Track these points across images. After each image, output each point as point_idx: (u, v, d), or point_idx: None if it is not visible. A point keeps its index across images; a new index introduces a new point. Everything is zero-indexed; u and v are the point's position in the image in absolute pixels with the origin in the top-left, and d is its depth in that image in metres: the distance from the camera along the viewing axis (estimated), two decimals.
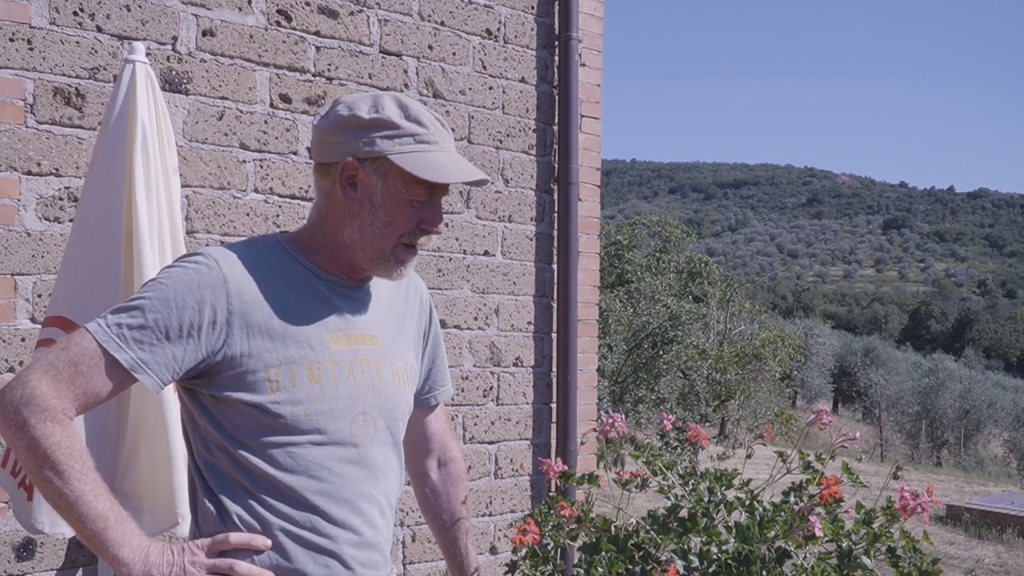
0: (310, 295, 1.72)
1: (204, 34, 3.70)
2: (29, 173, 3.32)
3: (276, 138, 3.90)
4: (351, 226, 1.73)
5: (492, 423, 4.59)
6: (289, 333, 1.67)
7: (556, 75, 4.84)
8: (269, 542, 1.64)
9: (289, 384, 1.65)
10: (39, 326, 3.30)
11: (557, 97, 4.84)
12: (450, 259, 4.45)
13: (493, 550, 4.58)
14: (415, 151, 1.69)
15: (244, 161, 3.81)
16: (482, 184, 1.76)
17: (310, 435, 1.67)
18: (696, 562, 1.67)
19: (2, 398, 1.52)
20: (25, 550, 3.28)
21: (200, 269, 1.63)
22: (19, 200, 3.30)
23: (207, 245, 3.66)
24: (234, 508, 1.65)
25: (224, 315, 1.62)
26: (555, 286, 4.81)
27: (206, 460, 1.68)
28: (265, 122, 3.87)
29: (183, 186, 3.54)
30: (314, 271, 1.75)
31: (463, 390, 4.48)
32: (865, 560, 1.67)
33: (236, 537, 1.62)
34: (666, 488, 1.87)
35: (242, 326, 1.63)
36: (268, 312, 1.66)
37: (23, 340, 3.28)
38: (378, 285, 1.84)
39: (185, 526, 2.75)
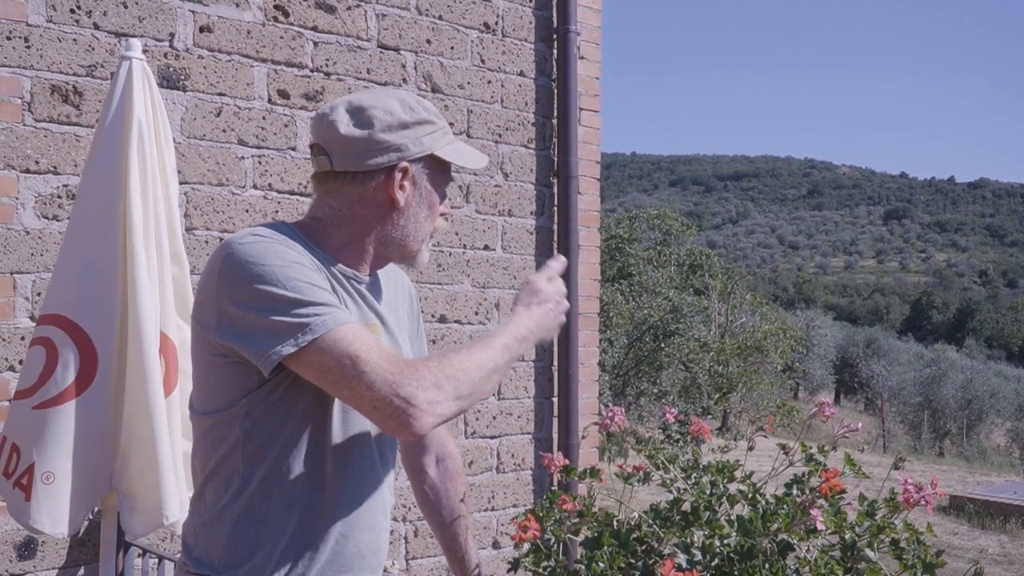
0: (334, 286, 1.72)
1: (201, 30, 3.69)
2: (27, 171, 3.31)
3: (274, 134, 3.89)
4: (393, 225, 1.77)
5: (494, 418, 4.59)
6: None
7: (555, 68, 4.83)
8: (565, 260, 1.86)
9: None
10: None
11: (556, 90, 4.83)
12: (450, 254, 4.44)
13: (496, 545, 4.58)
14: (450, 143, 1.80)
15: (242, 157, 3.80)
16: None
17: (335, 419, 1.69)
18: (699, 556, 1.66)
19: (415, 406, 1.52)
20: (27, 549, 3.28)
21: (275, 237, 1.65)
22: (17, 198, 3.29)
23: (207, 242, 3.65)
24: (271, 468, 1.65)
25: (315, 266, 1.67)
26: None
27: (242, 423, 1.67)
28: (263, 118, 3.86)
29: (181, 183, 3.54)
30: (331, 261, 1.74)
31: None
32: (868, 552, 1.66)
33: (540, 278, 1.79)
34: (668, 482, 1.86)
35: None
36: None
37: (22, 338, 3.28)
38: (375, 280, 1.84)
39: (172, 525, 2.75)
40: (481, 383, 1.60)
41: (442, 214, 1.84)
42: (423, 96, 4.30)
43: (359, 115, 1.71)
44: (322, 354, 1.53)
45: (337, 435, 1.68)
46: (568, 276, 4.71)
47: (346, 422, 1.69)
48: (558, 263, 1.83)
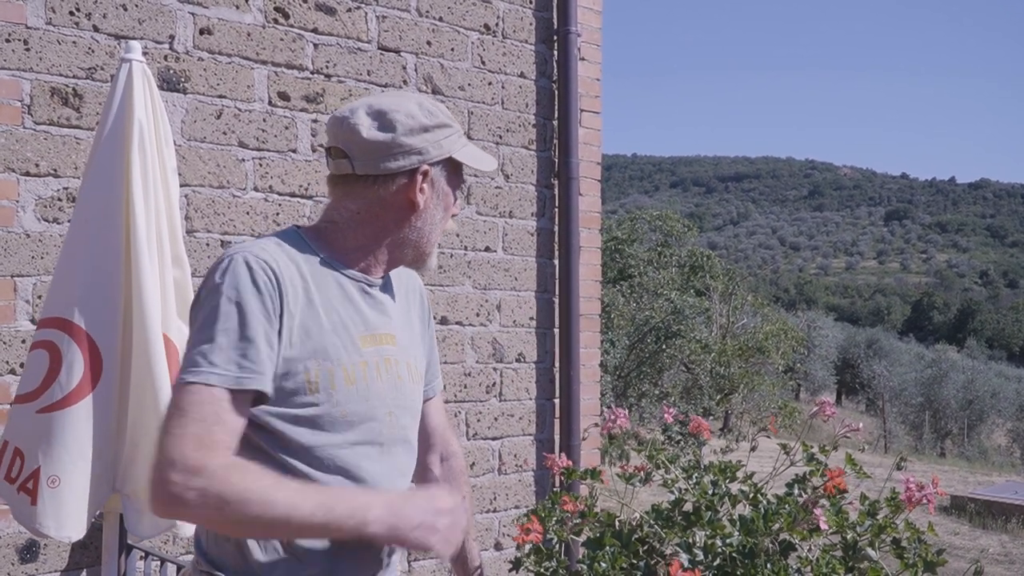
0: (339, 295, 1.71)
1: (201, 32, 3.69)
2: (27, 174, 3.31)
3: (275, 136, 3.89)
4: (411, 227, 1.77)
5: (495, 419, 4.59)
6: (325, 334, 1.66)
7: (555, 70, 4.83)
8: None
9: (328, 385, 1.64)
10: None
11: (556, 92, 4.83)
12: (451, 255, 4.44)
13: (498, 546, 4.57)
14: (465, 146, 1.81)
15: (243, 159, 3.80)
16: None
17: (346, 435, 1.67)
18: (701, 556, 1.66)
19: (170, 493, 1.46)
20: (29, 552, 3.28)
21: (255, 271, 1.60)
22: (18, 201, 3.29)
23: (208, 244, 3.65)
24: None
25: (279, 315, 1.61)
26: (557, 281, 4.80)
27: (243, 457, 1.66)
28: (264, 120, 3.86)
29: (182, 185, 3.54)
30: (340, 269, 1.74)
31: (466, 386, 4.48)
32: (870, 552, 1.66)
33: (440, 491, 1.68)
34: (670, 482, 1.86)
35: (289, 327, 1.62)
36: (306, 312, 1.65)
37: (23, 341, 3.28)
38: (386, 284, 1.84)
39: (181, 531, 2.74)
40: (253, 524, 1.50)
41: (452, 215, 1.86)
42: None
43: (381, 118, 1.72)
44: (176, 392, 1.53)
45: (337, 450, 1.66)
46: (569, 277, 4.72)
47: (356, 435, 1.68)
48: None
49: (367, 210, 1.75)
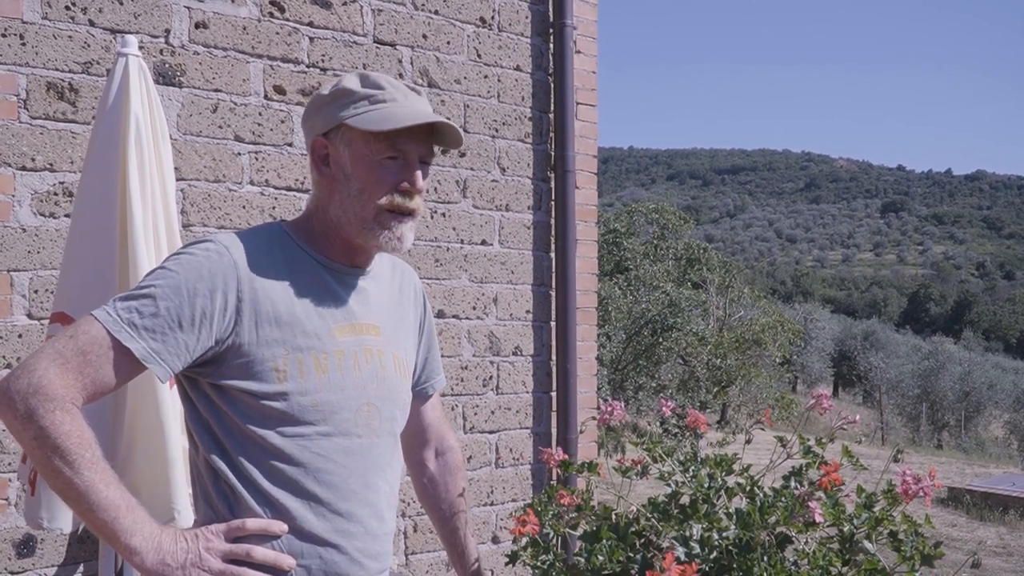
0: (316, 284, 1.71)
1: (197, 26, 3.69)
2: (23, 168, 3.30)
3: (271, 130, 3.88)
4: (334, 204, 1.73)
5: (492, 412, 4.59)
6: (297, 322, 1.65)
7: (551, 63, 4.82)
8: (286, 527, 1.62)
9: (297, 374, 1.63)
10: (36, 322, 3.29)
11: (553, 85, 4.82)
12: (447, 249, 4.44)
13: (495, 540, 4.58)
14: (370, 110, 1.68)
15: (239, 153, 3.79)
16: (451, 142, 1.74)
17: (317, 426, 1.65)
18: (697, 549, 1.66)
19: (7, 388, 1.48)
20: (26, 547, 3.28)
21: (211, 256, 1.60)
22: (14, 196, 3.29)
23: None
24: (244, 497, 1.64)
25: (235, 303, 1.60)
26: (553, 274, 4.80)
27: (210, 452, 1.66)
28: (260, 114, 3.85)
29: (178, 179, 3.53)
30: (318, 259, 1.74)
31: (462, 380, 4.48)
32: (867, 544, 1.66)
33: (253, 523, 1.60)
34: (666, 475, 1.86)
35: (251, 314, 1.61)
36: (276, 301, 1.64)
37: (20, 336, 3.27)
38: (377, 275, 1.83)
39: (181, 521, 2.74)
40: (50, 473, 1.49)
41: (403, 191, 1.71)
42: (418, 90, 4.29)
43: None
44: (82, 320, 1.55)
45: (307, 441, 1.66)
46: (566, 271, 4.72)
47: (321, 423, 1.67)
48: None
49: (314, 196, 1.78)
